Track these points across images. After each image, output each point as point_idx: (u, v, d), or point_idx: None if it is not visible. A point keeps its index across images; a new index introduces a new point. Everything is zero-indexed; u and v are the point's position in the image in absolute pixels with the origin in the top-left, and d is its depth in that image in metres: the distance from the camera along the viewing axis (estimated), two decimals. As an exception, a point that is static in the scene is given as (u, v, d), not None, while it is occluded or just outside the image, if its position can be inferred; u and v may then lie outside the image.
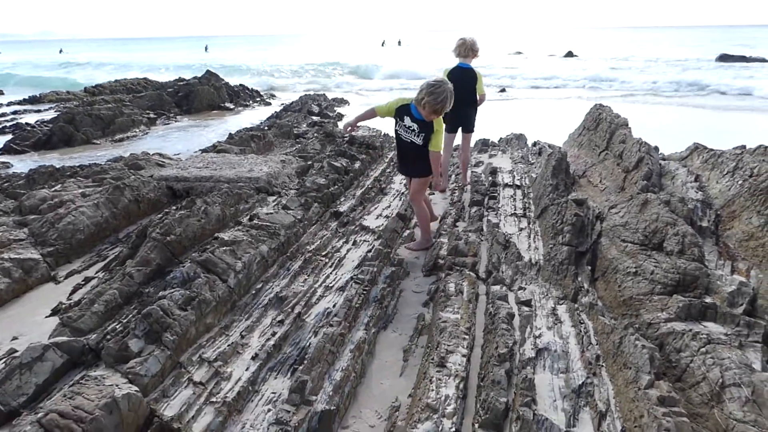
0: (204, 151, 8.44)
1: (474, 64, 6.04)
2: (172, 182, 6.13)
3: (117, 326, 3.27)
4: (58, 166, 7.59)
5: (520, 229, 5.05)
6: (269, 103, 20.50)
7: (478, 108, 6.19)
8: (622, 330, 3.02)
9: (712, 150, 4.81)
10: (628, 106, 17.15)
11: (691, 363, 2.72)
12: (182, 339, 3.08)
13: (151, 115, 15.54)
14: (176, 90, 18.19)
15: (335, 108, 17.28)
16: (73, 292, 4.09)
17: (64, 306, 3.77)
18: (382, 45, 73.41)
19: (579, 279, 3.92)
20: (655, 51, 46.30)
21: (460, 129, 6.28)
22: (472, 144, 7.08)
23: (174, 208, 5.33)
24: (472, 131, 6.35)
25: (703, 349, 2.73)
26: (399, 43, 75.50)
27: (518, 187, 6.28)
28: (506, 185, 6.36)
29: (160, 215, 5.11)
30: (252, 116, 16.69)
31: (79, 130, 12.56)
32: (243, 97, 20.35)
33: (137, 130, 13.92)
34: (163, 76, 27.11)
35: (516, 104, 18.57)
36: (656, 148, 5.16)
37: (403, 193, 6.30)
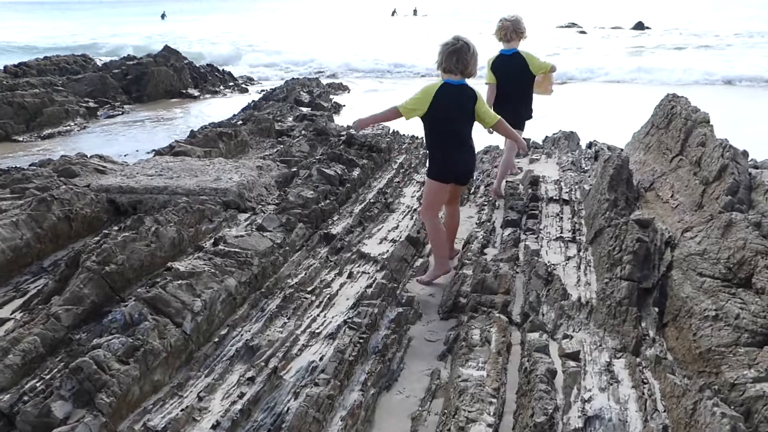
0: (158, 153, 8.53)
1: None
2: (114, 194, 6.20)
3: (37, 384, 3.30)
4: (-33, 172, 7.67)
5: (568, 258, 5.07)
6: (246, 90, 20.71)
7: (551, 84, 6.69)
8: (697, 393, 3.02)
9: (819, 155, 4.82)
10: (712, 97, 17.17)
11: (786, 438, 2.73)
12: (122, 401, 3.12)
13: (91, 104, 15.71)
14: (124, 71, 18.39)
15: (331, 96, 17.42)
16: (-17, 337, 4.13)
17: (-29, 356, 3.81)
18: (393, 14, 74.13)
19: (643, 325, 3.94)
20: (752, 22, 46.20)
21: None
22: None
23: (116, 228, 5.38)
24: (521, 128, 6.57)
25: (803, 420, 2.74)
26: (414, 12, 76.34)
27: (566, 202, 6.32)
28: (551, 200, 6.40)
29: (97, 238, 5.15)
30: (223, 107, 16.81)
31: (-4, 122, 12.69)
32: (212, 81, 20.55)
33: (72, 124, 14.07)
34: (107, 52, 27.42)
35: (568, 93, 18.64)
36: (745, 153, 5.16)
37: (415, 209, 6.35)
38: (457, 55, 4.55)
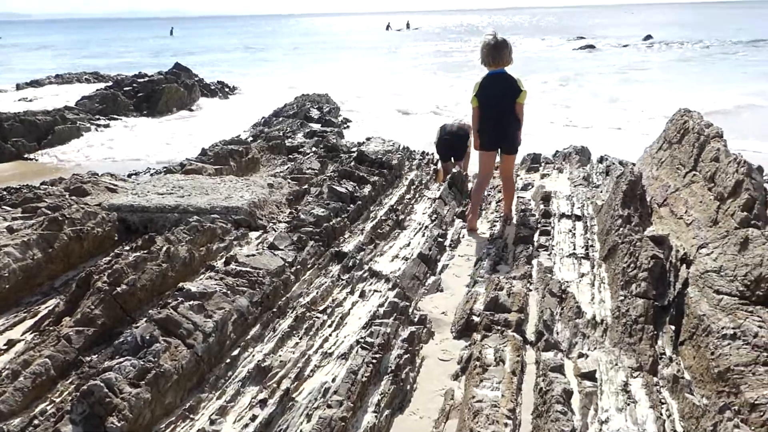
0: (169, 171, 8.57)
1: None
2: (125, 213, 6.21)
3: (48, 407, 3.30)
4: (-22, 191, 7.72)
5: (581, 276, 5.04)
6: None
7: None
8: (717, 413, 3.00)
9: (836, 169, 4.77)
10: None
11: (809, 461, 2.69)
12: (133, 425, 3.10)
13: (102, 121, 15.85)
14: (136, 89, 18.57)
15: (340, 113, 17.49)
16: (-7, 359, 4.13)
17: (-19, 378, 3.80)
18: (387, 29, 76.32)
19: (659, 343, 3.90)
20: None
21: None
22: (518, 161, 7.21)
23: (127, 248, 5.39)
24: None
25: (826, 443, 2.70)
26: (408, 25, 78.98)
27: (579, 218, 6.28)
28: (563, 216, 6.37)
29: (108, 258, 5.16)
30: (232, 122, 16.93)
31: (8, 140, 12.80)
32: (221, 96, 20.73)
33: (84, 141, 14.20)
34: (119, 68, 27.60)
35: (579, 108, 18.72)
36: (760, 169, 5.12)
37: (427, 226, 6.32)
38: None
